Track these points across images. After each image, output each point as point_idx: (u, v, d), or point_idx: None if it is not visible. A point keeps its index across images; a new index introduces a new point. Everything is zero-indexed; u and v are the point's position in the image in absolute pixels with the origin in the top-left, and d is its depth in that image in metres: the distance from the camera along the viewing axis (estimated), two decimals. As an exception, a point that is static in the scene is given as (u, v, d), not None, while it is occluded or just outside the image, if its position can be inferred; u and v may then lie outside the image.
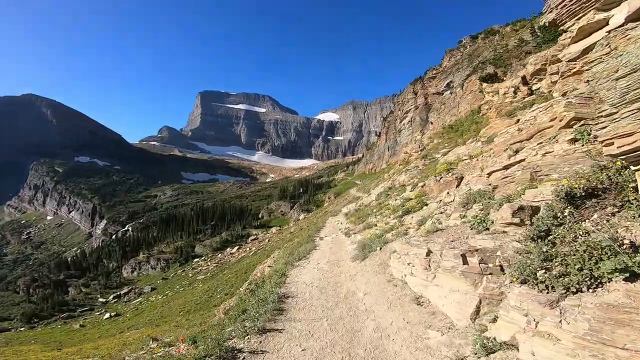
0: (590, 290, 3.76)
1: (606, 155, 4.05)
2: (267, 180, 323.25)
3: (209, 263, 72.33)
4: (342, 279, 11.04)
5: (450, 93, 70.19)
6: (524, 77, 27.03)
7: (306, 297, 9.59)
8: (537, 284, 4.26)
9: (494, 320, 4.94)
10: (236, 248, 75.78)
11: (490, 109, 31.62)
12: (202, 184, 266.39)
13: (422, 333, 6.20)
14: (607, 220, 4.47)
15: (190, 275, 67.72)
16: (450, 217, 10.32)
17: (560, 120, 7.77)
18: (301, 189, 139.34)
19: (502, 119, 22.42)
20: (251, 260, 53.90)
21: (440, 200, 14.07)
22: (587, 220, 4.74)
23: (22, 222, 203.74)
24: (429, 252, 7.70)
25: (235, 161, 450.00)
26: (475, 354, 4.79)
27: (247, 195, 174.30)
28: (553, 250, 4.48)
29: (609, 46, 3.82)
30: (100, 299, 72.28)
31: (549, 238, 4.84)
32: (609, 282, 3.69)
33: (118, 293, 71.32)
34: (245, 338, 7.01)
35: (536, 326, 3.97)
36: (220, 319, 12.95)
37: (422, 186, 19.66)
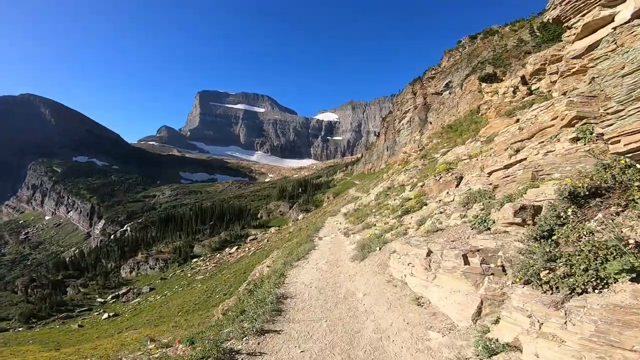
0: (596, 291, 3.69)
1: (612, 154, 3.98)
2: (266, 180, 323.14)
3: (207, 263, 72.10)
4: (341, 280, 10.96)
5: (449, 93, 70.18)
6: (523, 77, 26.97)
7: (305, 297, 9.50)
8: (540, 285, 4.18)
9: (496, 321, 4.87)
10: (235, 248, 75.56)
11: (490, 108, 31.56)
12: (200, 183, 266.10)
13: (423, 334, 6.12)
14: (612, 220, 4.40)
15: (189, 275, 67.49)
16: (450, 217, 10.25)
17: (562, 119, 7.69)
18: (300, 189, 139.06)
19: (502, 118, 22.37)
20: (250, 261, 53.76)
21: (440, 200, 13.99)
22: (591, 220, 4.67)
23: (20, 222, 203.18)
24: (429, 252, 7.62)
25: (234, 161, 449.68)
26: (478, 355, 4.72)
27: (246, 195, 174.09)
28: (557, 250, 4.40)
29: (615, 43, 3.75)
30: (99, 299, 72.00)
31: (552, 238, 4.77)
32: (614, 282, 3.62)
33: (116, 293, 71.04)
34: (244, 339, 6.91)
35: (540, 327, 3.89)
36: (218, 319, 12.86)
37: (422, 186, 19.58)
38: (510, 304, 4.51)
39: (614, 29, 3.85)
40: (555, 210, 5.04)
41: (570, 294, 3.82)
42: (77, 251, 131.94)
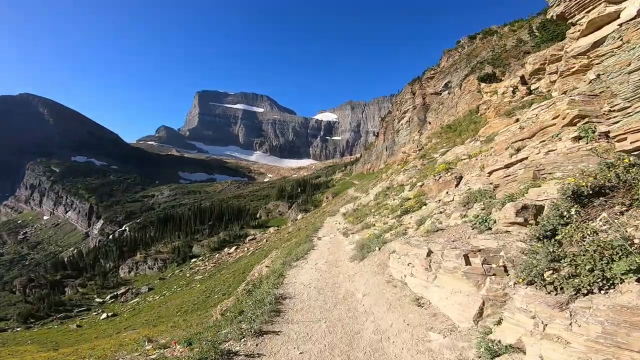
0: (602, 292, 3.61)
1: (619, 151, 3.91)
2: (265, 180, 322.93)
3: (206, 263, 71.97)
4: (341, 280, 10.87)
5: (448, 93, 70.18)
6: (522, 77, 26.95)
7: (304, 298, 9.42)
8: (544, 286, 4.11)
9: (499, 322, 4.79)
10: (234, 248, 75.43)
11: (489, 108, 31.52)
12: (199, 183, 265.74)
13: (424, 335, 6.04)
14: (616, 219, 4.32)
15: (187, 275, 67.37)
16: (450, 216, 10.18)
17: (564, 118, 7.62)
18: (299, 189, 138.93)
19: (501, 118, 22.32)
20: (249, 261, 53.65)
21: (440, 200, 13.93)
22: (594, 220, 4.59)
23: (19, 222, 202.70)
24: (429, 253, 7.54)
25: (233, 161, 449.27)
26: (480, 357, 4.64)
27: (245, 195, 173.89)
28: (560, 250, 4.32)
29: (621, 39, 3.68)
30: (97, 299, 71.87)
31: (555, 238, 4.69)
32: (621, 283, 3.55)
33: (115, 293, 70.88)
34: (242, 340, 6.82)
35: (544, 329, 3.82)
36: (216, 320, 12.77)
37: (421, 186, 19.52)
38: (513, 304, 4.43)
39: (620, 25, 3.77)
40: (558, 210, 4.96)
41: (575, 294, 3.74)
42: (75, 251, 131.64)
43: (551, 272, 4.16)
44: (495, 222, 7.18)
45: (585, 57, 4.56)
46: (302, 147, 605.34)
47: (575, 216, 4.74)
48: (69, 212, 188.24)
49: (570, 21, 4.44)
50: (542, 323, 3.85)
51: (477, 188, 10.75)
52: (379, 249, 12.18)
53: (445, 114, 61.75)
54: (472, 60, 70.83)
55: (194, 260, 78.63)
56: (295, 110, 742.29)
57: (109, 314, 54.93)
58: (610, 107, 3.71)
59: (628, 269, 3.41)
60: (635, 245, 3.65)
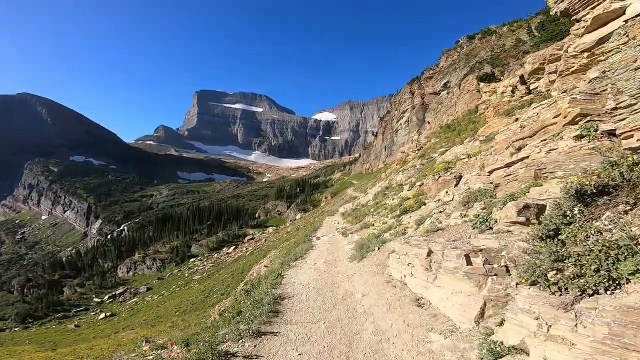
0: (608, 293, 3.54)
1: (625, 149, 3.83)
2: (264, 180, 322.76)
3: (205, 263, 71.87)
4: (340, 280, 10.79)
5: (448, 93, 70.15)
6: (522, 77, 26.93)
7: (303, 298, 9.33)
8: (549, 286, 4.03)
9: (501, 323, 4.72)
10: (233, 248, 75.33)
11: (488, 108, 31.49)
12: (198, 183, 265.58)
13: (424, 337, 5.96)
14: (620, 219, 4.25)
15: (186, 275, 67.27)
16: (450, 216, 10.11)
17: (565, 117, 7.55)
18: (298, 189, 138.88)
19: (501, 118, 22.28)
20: (248, 260, 53.56)
21: (439, 200, 13.87)
22: (598, 219, 4.52)
23: (17, 222, 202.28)
24: (430, 253, 7.47)
25: (232, 161, 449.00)
26: (482, 359, 4.56)
27: (244, 195, 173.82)
28: (564, 250, 4.24)
29: (627, 36, 3.61)
30: (96, 299, 71.76)
31: (558, 238, 4.61)
32: (627, 283, 3.47)
33: (113, 293, 70.75)
34: (240, 342, 6.73)
35: (548, 330, 3.74)
36: (215, 320, 12.68)
37: (420, 186, 19.45)
38: (516, 305, 4.35)
39: (626, 22, 3.71)
40: (561, 209, 4.89)
41: (580, 295, 3.66)
42: (74, 251, 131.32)
43: (555, 272, 4.08)
44: (496, 221, 7.10)
45: (590, 54, 4.49)
46: (301, 147, 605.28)
47: (578, 216, 4.67)
48: (68, 212, 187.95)
49: (574, 18, 4.37)
50: (547, 324, 3.78)
51: (477, 188, 10.67)
52: (379, 249, 12.11)
53: (445, 114, 61.72)
54: (471, 60, 70.83)
55: (192, 260, 78.52)
56: (294, 110, 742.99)
57: (108, 314, 54.83)
58: (617, 104, 3.64)
59: (635, 269, 3.34)
60: (641, 245, 3.58)
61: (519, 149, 8.74)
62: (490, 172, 9.71)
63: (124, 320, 48.62)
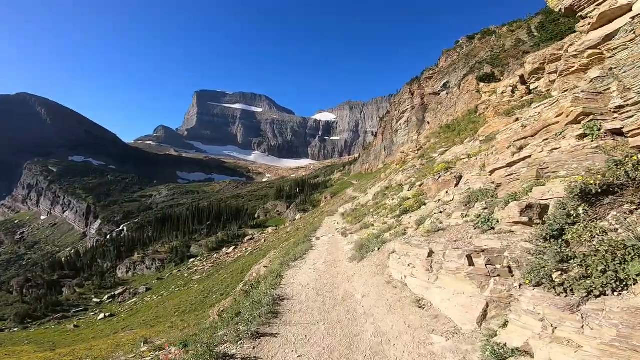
0: (615, 294, 3.46)
1: (632, 148, 3.76)
2: (264, 180, 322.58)
3: (204, 263, 71.78)
4: (339, 280, 10.71)
5: (447, 93, 70.05)
6: (522, 77, 26.88)
7: (302, 299, 9.24)
8: (554, 287, 3.94)
9: (504, 325, 4.63)
10: (232, 248, 75.25)
11: (488, 108, 31.43)
12: (198, 183, 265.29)
13: (425, 338, 5.87)
14: (625, 219, 4.18)
15: (185, 275, 67.19)
16: (451, 216, 10.02)
17: (567, 116, 7.47)
18: (297, 189, 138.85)
19: (501, 117, 22.23)
20: (247, 260, 53.49)
21: (439, 200, 13.80)
22: (603, 219, 4.44)
23: (16, 221, 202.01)
24: (430, 253, 7.38)
25: (231, 161, 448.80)
26: (485, 361, 4.48)
27: (243, 195, 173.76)
28: (569, 250, 4.16)
29: (634, 32, 3.54)
30: (95, 299, 71.63)
31: (562, 238, 4.53)
32: (634, 284, 3.40)
33: (112, 293, 70.65)
34: (238, 343, 6.63)
35: (553, 332, 3.67)
36: (213, 321, 12.59)
37: (420, 185, 19.38)
38: (520, 306, 4.27)
39: (633, 18, 3.64)
40: (565, 209, 4.81)
41: (586, 296, 3.59)
42: (73, 251, 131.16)
43: (560, 273, 4.00)
44: (498, 221, 7.02)
45: (595, 51, 4.41)
46: (300, 147, 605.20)
47: (583, 215, 4.59)
48: (67, 212, 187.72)
49: (579, 14, 4.30)
50: (551, 326, 3.70)
51: (478, 187, 10.59)
52: (378, 249, 12.02)
53: (444, 114, 61.64)
54: (470, 60, 70.80)
55: (192, 260, 78.41)
56: (293, 110, 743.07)
57: (107, 314, 54.76)
58: (624, 101, 3.56)
59: (643, 270, 3.27)
60: (649, 245, 3.50)
61: (521, 148, 8.66)
62: (492, 172, 9.63)
63: (123, 320, 48.54)
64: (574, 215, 4.66)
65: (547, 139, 7.88)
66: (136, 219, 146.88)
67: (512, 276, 5.40)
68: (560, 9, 4.52)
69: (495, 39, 70.68)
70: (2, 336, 50.49)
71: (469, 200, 9.77)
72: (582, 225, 4.40)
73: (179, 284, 61.77)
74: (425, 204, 15.16)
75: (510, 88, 27.68)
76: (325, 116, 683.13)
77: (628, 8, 3.75)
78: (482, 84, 41.94)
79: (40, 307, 67.34)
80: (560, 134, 7.56)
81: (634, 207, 4.33)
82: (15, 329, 57.20)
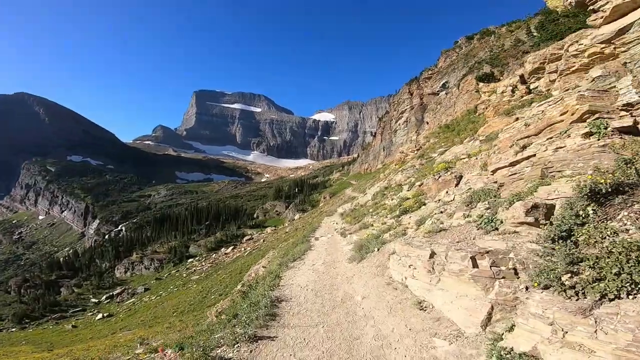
0: (630, 297, 3.31)
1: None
2: (262, 180, 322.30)
3: (203, 263, 71.64)
4: (339, 282, 10.55)
5: (446, 93, 69.92)
6: (522, 76, 26.80)
7: (301, 300, 9.07)
8: (564, 290, 3.78)
9: (511, 328, 4.46)
10: (231, 248, 75.10)
11: (487, 108, 31.32)
12: (196, 183, 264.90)
13: (427, 342, 5.69)
14: (637, 219, 4.02)
15: (184, 275, 67.05)
16: (452, 216, 9.86)
17: (572, 114, 7.32)
18: (296, 189, 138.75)
19: (501, 117, 22.13)
20: (246, 261, 53.38)
21: (440, 200, 13.66)
22: (613, 219, 4.28)
23: (14, 221, 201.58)
24: (432, 254, 7.22)
25: (230, 161, 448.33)
26: (491, 366, 4.31)
27: (242, 195, 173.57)
28: (578, 252, 4.00)
29: (649, 25, 3.38)
30: (93, 300, 71.38)
31: (571, 239, 4.37)
32: (649, 287, 3.24)
33: (111, 293, 70.45)
34: (235, 346, 6.47)
35: (564, 336, 3.52)
36: (211, 322, 12.42)
37: (420, 185, 19.21)
38: (527, 310, 4.11)
39: (647, 11, 3.47)
40: (573, 209, 4.64)
41: (599, 300, 3.43)
42: (71, 251, 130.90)
43: (570, 275, 3.84)
44: (502, 222, 6.85)
45: (610, 44, 4.25)
46: (299, 147, 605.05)
47: (592, 215, 4.43)
48: (65, 211, 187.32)
49: (591, 7, 4.15)
50: (562, 330, 3.54)
51: (479, 187, 10.43)
52: (378, 249, 11.86)
53: (443, 114, 61.48)
54: (470, 60, 70.70)
55: (190, 260, 78.26)
56: (292, 110, 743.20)
57: (105, 315, 54.60)
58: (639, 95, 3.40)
59: (661, 272, 3.11)
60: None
61: (524, 147, 8.49)
62: (494, 171, 9.47)
63: (121, 320, 48.40)
64: (583, 216, 4.51)
65: (551, 138, 7.72)
66: (135, 219, 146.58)
67: (518, 278, 5.24)
68: (570, 2, 4.37)
69: (494, 39, 70.59)
70: (0, 336, 50.31)
71: (471, 200, 9.60)
72: (591, 225, 4.24)
73: (178, 284, 61.62)
74: (425, 204, 15.01)
75: (510, 88, 27.58)
76: (324, 116, 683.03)
77: (642, 0, 3.60)
78: (481, 84, 41.87)
79: (38, 307, 67.11)
80: (565, 132, 7.40)
81: (646, 207, 4.18)
82: (13, 329, 57.02)
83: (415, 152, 46.52)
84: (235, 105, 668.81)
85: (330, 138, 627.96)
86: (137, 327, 37.89)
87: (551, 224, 4.92)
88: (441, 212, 11.31)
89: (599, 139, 6.42)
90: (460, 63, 75.02)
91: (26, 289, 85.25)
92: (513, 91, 27.22)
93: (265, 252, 44.13)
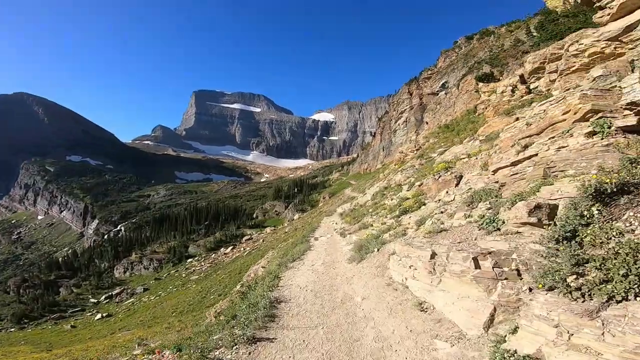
0: (638, 299, 3.23)
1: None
2: (262, 180, 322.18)
3: (202, 263, 71.56)
4: (338, 282, 10.46)
5: (446, 93, 69.87)
6: (522, 76, 26.74)
7: (300, 301, 8.99)
8: (570, 292, 3.70)
9: (514, 330, 4.38)
10: (230, 248, 75.00)
11: (487, 108, 31.26)
12: (196, 183, 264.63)
13: (429, 343, 5.61)
14: (643, 219, 3.94)
15: (183, 275, 66.96)
16: (453, 216, 9.78)
17: (575, 113, 7.24)
18: (296, 189, 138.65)
19: (501, 117, 22.08)
20: (245, 261, 53.32)
21: (440, 200, 13.58)
22: (618, 220, 4.20)
23: (13, 221, 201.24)
24: (433, 255, 7.14)
25: (229, 161, 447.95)
26: (494, 369, 4.23)
27: (242, 195, 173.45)
28: (584, 253, 3.92)
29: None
30: (92, 300, 71.23)
31: (575, 239, 4.29)
32: (657, 289, 3.17)
33: (110, 293, 70.32)
34: (234, 348, 6.37)
35: (569, 338, 3.45)
36: (209, 323, 12.34)
37: (420, 185, 19.14)
38: (531, 312, 4.03)
39: (655, 8, 3.39)
40: (578, 209, 4.56)
41: (607, 302, 3.36)
42: (70, 251, 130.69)
43: (575, 276, 3.76)
44: (504, 222, 6.77)
45: (617, 41, 4.17)
46: (299, 147, 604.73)
47: (597, 216, 4.35)
48: (64, 211, 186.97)
49: (597, 4, 4.07)
50: (568, 332, 3.47)
51: (480, 187, 10.35)
52: (378, 250, 11.78)
53: (443, 114, 61.45)
54: (469, 60, 70.67)
55: (189, 260, 78.17)
56: (292, 110, 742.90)
57: (104, 315, 54.50)
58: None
59: (670, 274, 3.03)
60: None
61: (526, 147, 8.41)
62: (495, 171, 9.39)
63: (120, 320, 48.32)
64: (588, 216, 4.43)
65: (553, 137, 7.65)
66: (134, 219, 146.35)
67: (521, 279, 5.16)
68: (575, -1, 4.30)
69: (493, 39, 70.56)
70: (-1, 336, 50.26)
71: (472, 200, 9.52)
72: (597, 226, 4.16)
73: (177, 284, 61.53)
74: (425, 204, 14.93)
75: (510, 87, 27.52)
76: (323, 116, 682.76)
77: (649, -3, 3.52)
78: (481, 84, 41.80)
79: (37, 308, 66.95)
80: (568, 131, 7.32)
81: (652, 207, 4.10)
82: (12, 329, 56.92)
83: (415, 152, 46.46)
84: (235, 105, 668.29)
85: (330, 138, 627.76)
86: (136, 327, 37.81)
87: (555, 224, 4.85)
88: (441, 212, 11.23)
89: (602, 138, 6.34)
90: (460, 63, 75.00)
91: (25, 289, 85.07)
92: (513, 91, 27.16)
93: (264, 252, 44.07)
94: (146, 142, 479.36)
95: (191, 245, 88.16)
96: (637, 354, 2.93)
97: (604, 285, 3.45)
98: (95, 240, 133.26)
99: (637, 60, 3.37)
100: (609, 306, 3.36)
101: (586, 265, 3.77)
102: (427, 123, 72.90)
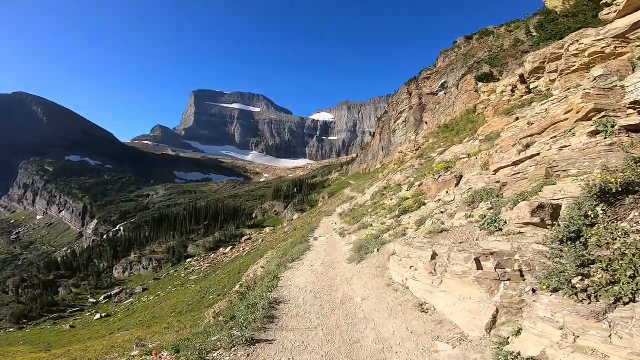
0: (645, 301, 3.17)
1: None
2: (261, 180, 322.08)
3: (201, 263, 71.50)
4: (338, 283, 10.38)
5: (445, 93, 69.83)
6: (522, 76, 26.71)
7: (299, 302, 8.90)
8: (575, 294, 3.63)
9: (518, 332, 4.31)
10: (229, 248, 74.94)
11: (487, 108, 31.22)
12: (195, 183, 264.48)
13: (430, 345, 5.54)
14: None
15: (182, 275, 66.90)
16: (453, 217, 9.71)
17: (577, 112, 7.18)
18: (295, 189, 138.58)
19: (501, 117, 22.03)
20: (245, 261, 53.26)
21: (440, 200, 13.52)
22: (623, 220, 4.13)
23: (12, 221, 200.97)
24: (434, 255, 7.06)
25: (229, 161, 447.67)
26: (497, 372, 4.16)
27: (241, 195, 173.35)
28: (589, 254, 3.85)
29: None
30: (91, 300, 71.14)
31: (580, 240, 4.21)
32: (665, 291, 3.11)
33: (109, 293, 70.26)
34: (232, 350, 6.28)
35: (575, 341, 3.38)
36: (208, 324, 12.26)
37: (419, 185, 19.08)
38: (535, 313, 3.96)
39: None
40: (582, 209, 4.49)
41: (614, 303, 3.30)
42: (69, 251, 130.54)
43: (581, 278, 3.69)
44: (506, 222, 6.69)
45: (623, 39, 4.10)
46: (298, 147, 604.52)
47: (602, 216, 4.27)
48: (63, 211, 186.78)
49: (604, 1, 3.99)
50: (573, 334, 3.41)
51: (480, 187, 10.28)
52: (378, 250, 11.70)
53: (442, 113, 61.41)
54: (469, 60, 70.65)
55: (189, 260, 78.10)
56: (291, 110, 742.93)
57: (103, 315, 54.44)
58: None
59: (678, 275, 2.96)
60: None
61: (527, 146, 8.35)
62: (496, 171, 9.32)
63: (119, 320, 48.26)
64: (592, 216, 4.35)
65: (555, 137, 7.58)
66: (133, 218, 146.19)
67: (524, 280, 5.08)
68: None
69: (493, 39, 70.53)
70: (-2, 336, 50.17)
71: (473, 200, 9.44)
72: (602, 226, 4.09)
73: (176, 284, 61.46)
74: (425, 204, 14.86)
75: (510, 87, 27.48)
76: (323, 116, 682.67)
77: (656, -7, 3.45)
78: (480, 84, 41.78)
79: (36, 308, 66.85)
80: (570, 131, 7.26)
81: (657, 207, 4.03)
82: (11, 330, 56.87)
83: (415, 152, 46.44)
84: (234, 105, 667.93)
85: (329, 138, 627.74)
86: (135, 328, 37.75)
87: (558, 224, 4.77)
88: (442, 213, 11.16)
89: (605, 138, 6.27)
90: (460, 63, 74.98)
91: (24, 289, 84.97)
92: (513, 91, 27.12)
93: (264, 252, 44.01)
94: (145, 142, 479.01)
95: (190, 245, 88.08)
96: (645, 357, 2.87)
97: (610, 286, 3.38)
98: (94, 240, 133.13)
99: (639, 59, 3.31)
100: (615, 308, 3.30)
101: (592, 266, 3.71)
102: (426, 123, 72.87)
